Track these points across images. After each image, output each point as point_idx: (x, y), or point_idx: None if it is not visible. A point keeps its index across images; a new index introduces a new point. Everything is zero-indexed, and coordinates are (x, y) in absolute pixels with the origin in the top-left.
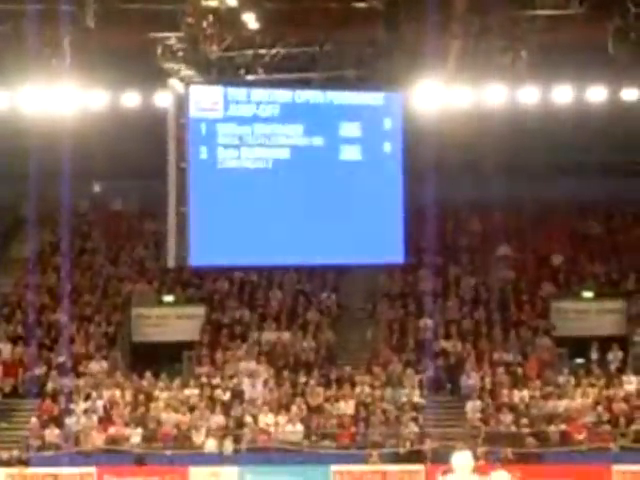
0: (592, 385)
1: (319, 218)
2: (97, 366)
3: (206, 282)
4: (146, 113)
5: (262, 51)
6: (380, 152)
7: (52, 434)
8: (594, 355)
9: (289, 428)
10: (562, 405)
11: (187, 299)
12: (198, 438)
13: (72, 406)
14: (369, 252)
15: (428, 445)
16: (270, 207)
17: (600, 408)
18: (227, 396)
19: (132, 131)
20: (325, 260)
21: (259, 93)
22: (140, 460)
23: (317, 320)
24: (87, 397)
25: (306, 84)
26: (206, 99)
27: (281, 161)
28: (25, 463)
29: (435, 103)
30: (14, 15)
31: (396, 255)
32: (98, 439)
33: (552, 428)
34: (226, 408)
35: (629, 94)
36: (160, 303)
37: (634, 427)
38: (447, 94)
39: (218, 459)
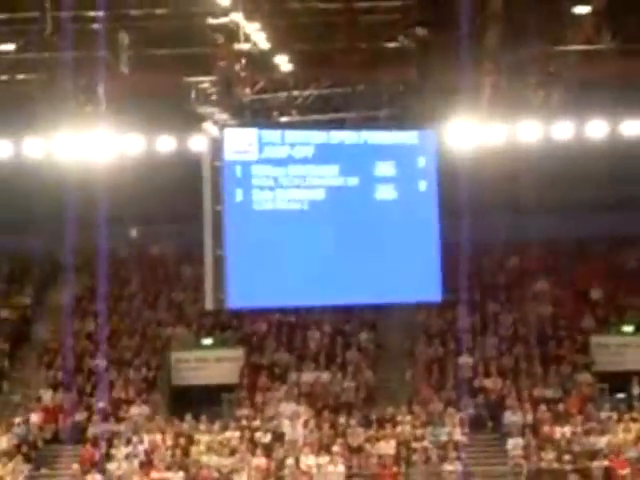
0: (634, 420)
1: (356, 258)
2: (137, 410)
3: (244, 324)
4: (181, 157)
5: (295, 93)
6: (415, 190)
7: None
8: (635, 390)
9: (331, 469)
10: (604, 441)
11: (225, 342)
12: None
13: (113, 451)
14: (406, 291)
15: None
16: (307, 248)
17: None
18: (268, 438)
19: (167, 175)
20: (362, 300)
21: (293, 135)
22: None
23: (356, 360)
24: (128, 442)
25: (340, 125)
26: (241, 142)
27: (317, 202)
28: None
29: (469, 140)
30: (49, 63)
31: (433, 293)
32: None
33: (595, 464)
34: (267, 450)
35: None
36: (199, 346)
37: None
38: (481, 131)
39: None
